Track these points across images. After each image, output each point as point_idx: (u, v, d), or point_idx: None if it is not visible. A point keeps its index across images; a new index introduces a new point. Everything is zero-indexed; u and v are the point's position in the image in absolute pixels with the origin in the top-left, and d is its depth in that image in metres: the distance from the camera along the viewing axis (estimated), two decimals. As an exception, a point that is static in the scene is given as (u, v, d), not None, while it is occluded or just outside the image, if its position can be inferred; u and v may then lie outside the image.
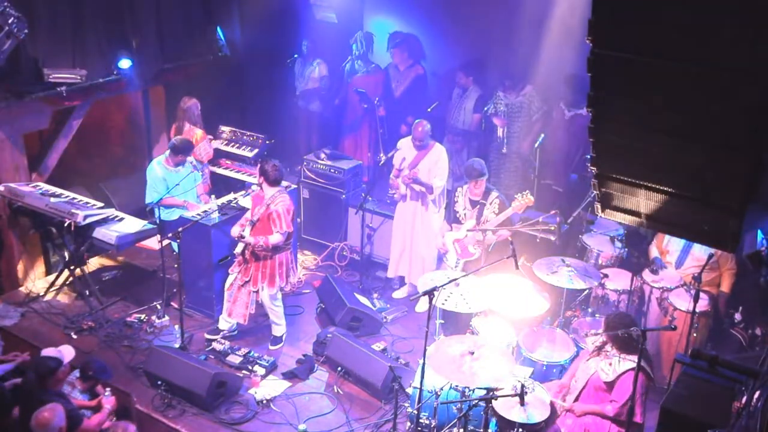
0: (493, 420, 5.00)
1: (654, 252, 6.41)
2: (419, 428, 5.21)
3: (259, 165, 6.30)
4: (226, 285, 6.38)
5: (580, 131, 7.47)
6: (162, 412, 5.70)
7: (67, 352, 5.24)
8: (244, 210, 6.56)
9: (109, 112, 8.60)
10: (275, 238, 6.04)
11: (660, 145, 2.50)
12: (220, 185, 8.26)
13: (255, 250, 6.11)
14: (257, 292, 6.27)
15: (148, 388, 5.93)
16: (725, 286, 6.10)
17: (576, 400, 5.02)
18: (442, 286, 5.19)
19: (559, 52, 7.60)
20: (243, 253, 6.19)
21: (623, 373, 4.76)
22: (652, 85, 2.35)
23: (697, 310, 5.54)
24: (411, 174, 6.78)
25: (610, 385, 4.83)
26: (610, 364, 4.85)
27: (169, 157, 7.05)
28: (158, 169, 7.03)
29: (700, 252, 6.04)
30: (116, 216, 6.95)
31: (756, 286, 5.85)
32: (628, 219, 2.98)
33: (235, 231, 6.16)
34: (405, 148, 6.96)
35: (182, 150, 7.03)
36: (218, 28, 8.47)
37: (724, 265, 6.04)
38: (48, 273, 7.49)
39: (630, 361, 4.74)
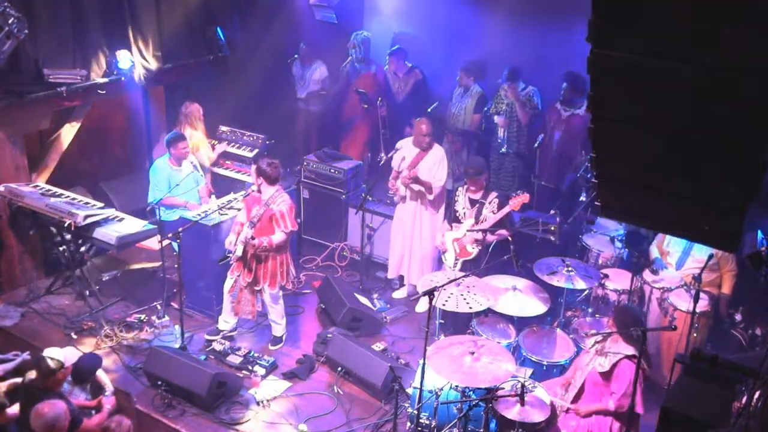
0: (493, 420, 5.00)
1: (655, 253, 6.40)
2: (419, 428, 5.21)
3: (254, 166, 6.16)
4: (227, 288, 6.34)
5: (577, 131, 7.49)
6: (162, 412, 5.70)
7: (70, 355, 5.23)
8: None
9: (109, 112, 8.60)
10: (279, 238, 6.04)
11: (660, 145, 2.50)
12: (220, 185, 8.26)
13: (256, 252, 6.10)
14: (260, 291, 6.27)
15: (148, 388, 5.94)
16: (726, 288, 6.09)
17: (576, 398, 5.03)
18: (442, 286, 5.20)
19: (559, 52, 7.62)
20: (243, 254, 6.17)
21: (618, 361, 4.78)
22: (652, 85, 2.35)
23: (697, 310, 5.54)
24: (410, 174, 6.78)
25: (606, 376, 4.85)
26: (605, 356, 4.87)
27: (172, 157, 7.05)
28: (162, 169, 7.04)
29: (700, 253, 6.04)
30: (116, 216, 6.94)
31: (756, 287, 5.85)
32: (628, 219, 2.98)
33: (231, 239, 6.12)
34: (405, 148, 6.96)
35: (176, 140, 7.01)
36: (218, 28, 8.46)
37: (724, 267, 6.04)
38: (48, 273, 7.48)
39: (625, 349, 4.77)
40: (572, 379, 5.14)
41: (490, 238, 6.32)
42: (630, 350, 4.77)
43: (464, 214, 6.50)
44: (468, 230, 6.41)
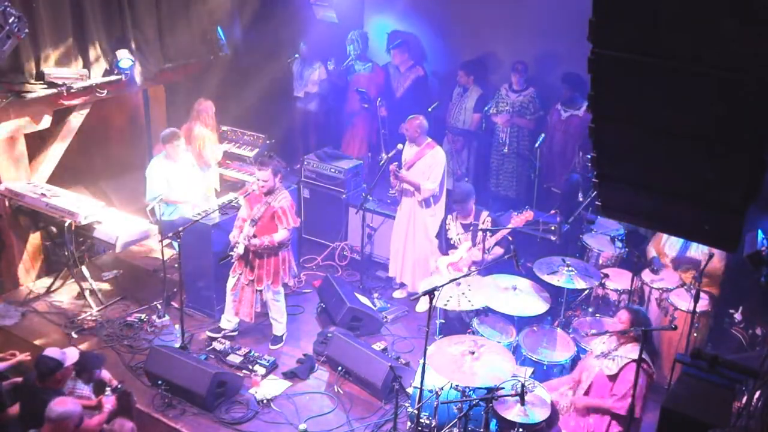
0: (493, 420, 5.00)
1: (652, 252, 6.41)
2: (419, 428, 5.21)
3: (271, 166, 6.04)
4: (229, 286, 6.37)
5: (576, 131, 7.49)
6: (162, 411, 5.71)
7: (70, 355, 5.23)
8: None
9: (109, 112, 8.60)
10: (282, 235, 6.06)
11: (660, 145, 2.50)
12: (220, 184, 8.26)
13: (259, 250, 6.11)
14: (261, 291, 6.27)
15: (148, 388, 5.94)
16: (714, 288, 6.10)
17: None
18: (442, 286, 5.19)
19: (557, 51, 7.61)
20: (245, 253, 6.17)
21: (625, 365, 4.79)
22: (652, 85, 2.36)
23: (697, 310, 5.54)
24: (393, 167, 6.78)
25: (612, 379, 4.86)
26: (613, 360, 4.88)
27: (167, 154, 7.03)
28: (159, 167, 7.01)
29: (697, 253, 6.04)
30: (116, 216, 6.94)
31: (756, 286, 5.84)
32: (628, 219, 2.98)
33: (234, 236, 6.15)
34: (406, 147, 6.97)
35: (170, 138, 6.98)
36: (218, 28, 8.46)
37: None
38: (48, 273, 7.49)
39: (633, 353, 4.77)
40: (580, 380, 5.14)
41: (488, 258, 6.28)
42: (636, 351, 4.76)
43: (459, 239, 6.51)
44: (467, 251, 6.38)
